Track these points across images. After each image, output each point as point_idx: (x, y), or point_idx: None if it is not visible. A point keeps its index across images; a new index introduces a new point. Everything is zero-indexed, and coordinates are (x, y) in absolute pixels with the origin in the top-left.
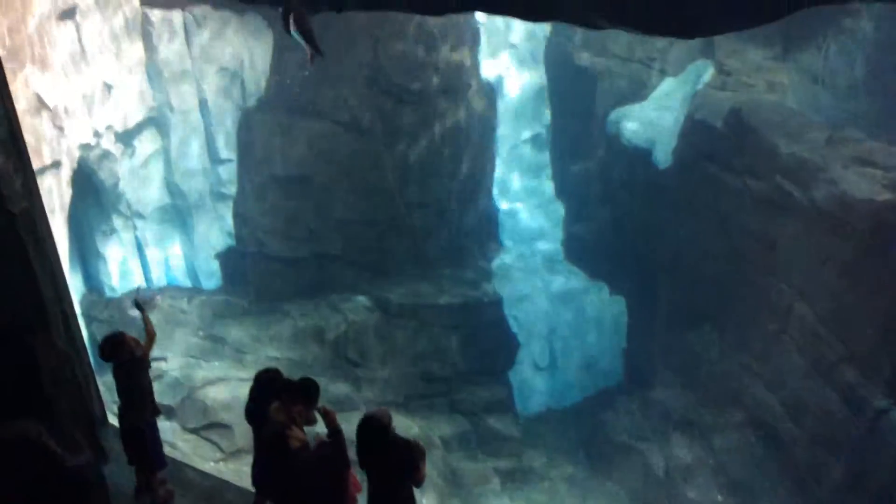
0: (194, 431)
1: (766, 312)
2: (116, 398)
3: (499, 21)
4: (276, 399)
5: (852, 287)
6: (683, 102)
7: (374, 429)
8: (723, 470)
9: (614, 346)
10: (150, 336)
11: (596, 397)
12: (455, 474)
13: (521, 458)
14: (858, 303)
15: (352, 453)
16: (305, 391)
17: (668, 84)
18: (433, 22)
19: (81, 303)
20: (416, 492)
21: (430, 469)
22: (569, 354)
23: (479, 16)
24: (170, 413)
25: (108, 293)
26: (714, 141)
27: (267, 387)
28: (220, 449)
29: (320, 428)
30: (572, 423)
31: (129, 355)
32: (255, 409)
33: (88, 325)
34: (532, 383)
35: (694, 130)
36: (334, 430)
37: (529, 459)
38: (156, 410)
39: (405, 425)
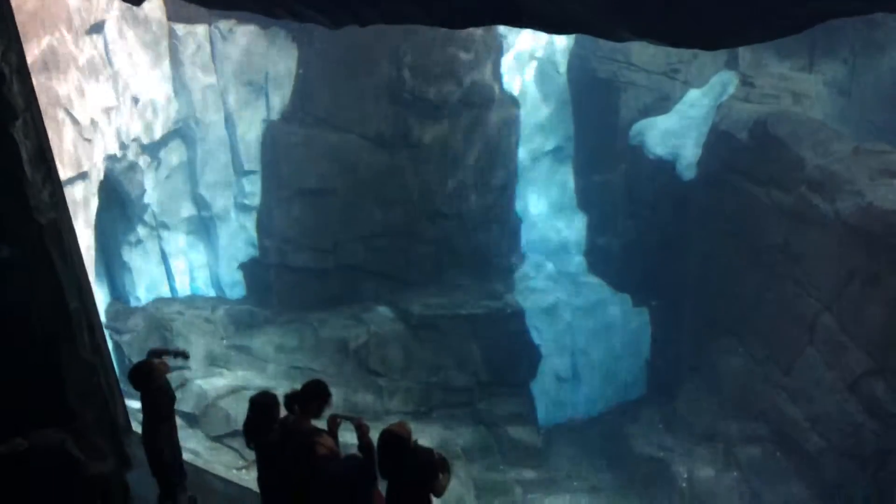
0: (217, 439)
1: (792, 325)
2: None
3: (522, 33)
4: (289, 413)
5: (879, 299)
6: (707, 114)
7: (394, 441)
8: (747, 483)
9: (637, 357)
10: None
11: (619, 409)
12: (477, 485)
13: (543, 469)
14: (885, 315)
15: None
16: (316, 394)
17: (692, 95)
18: (456, 35)
19: (107, 312)
20: (437, 503)
21: (452, 479)
22: (591, 366)
23: (502, 28)
24: (193, 421)
25: (134, 303)
26: (739, 152)
27: (264, 411)
28: (243, 457)
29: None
30: (595, 434)
31: (157, 383)
32: (254, 431)
33: (113, 335)
34: (554, 394)
35: (718, 142)
36: (366, 445)
37: (551, 470)
38: (173, 428)
39: (427, 436)
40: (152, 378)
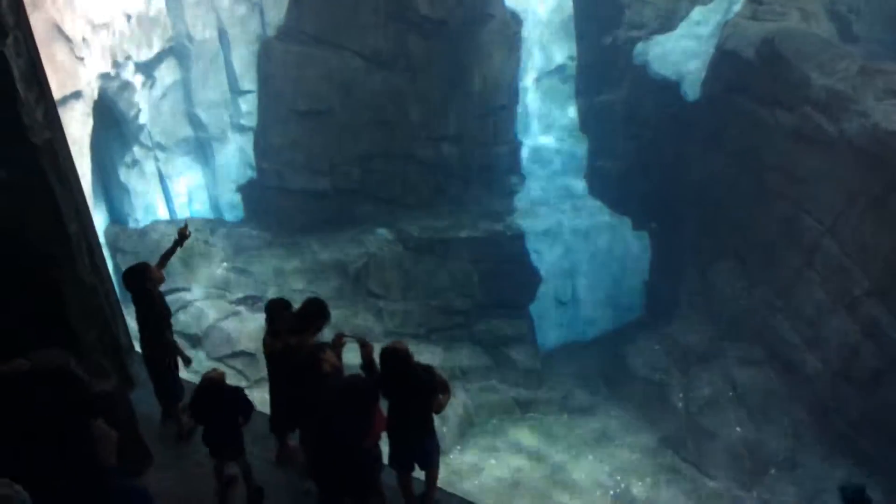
0: (220, 360)
1: (792, 247)
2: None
3: None
4: (289, 332)
5: (881, 221)
6: (713, 32)
7: (395, 356)
8: (742, 403)
9: (636, 281)
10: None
11: (617, 332)
12: (475, 405)
13: (540, 390)
14: (886, 237)
15: None
16: (316, 313)
17: (697, 13)
18: None
19: (106, 234)
20: (437, 420)
21: (451, 398)
22: (590, 289)
23: None
24: (195, 342)
25: (132, 224)
26: (744, 72)
27: (272, 312)
28: (245, 377)
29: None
30: (593, 356)
31: (149, 286)
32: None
33: (113, 256)
34: (553, 317)
35: (724, 61)
36: (369, 363)
37: (549, 391)
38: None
39: (426, 357)
40: (147, 278)
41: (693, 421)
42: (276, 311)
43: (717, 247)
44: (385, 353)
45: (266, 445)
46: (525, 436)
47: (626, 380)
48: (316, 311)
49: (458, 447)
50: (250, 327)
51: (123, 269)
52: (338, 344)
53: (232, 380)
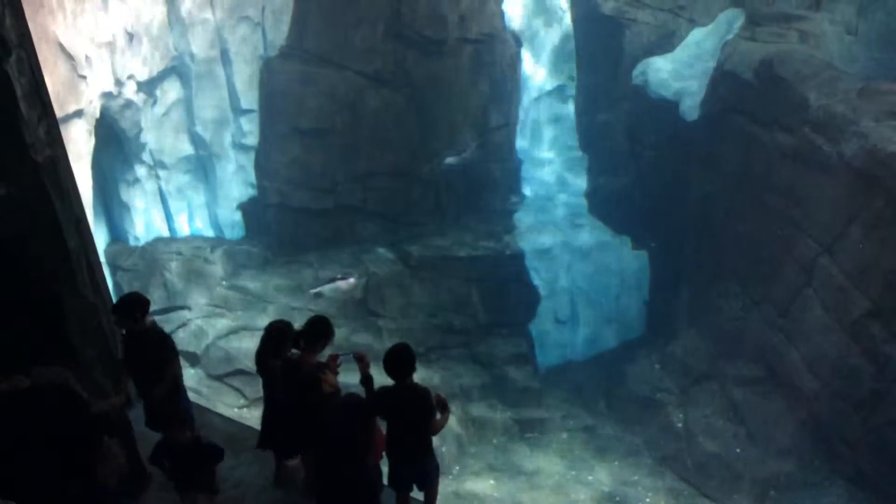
0: (218, 378)
1: (791, 267)
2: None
3: None
4: (294, 348)
5: (880, 242)
6: (713, 53)
7: (404, 354)
8: (742, 423)
9: (636, 300)
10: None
11: (617, 350)
12: (475, 424)
13: (540, 409)
14: (885, 258)
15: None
16: (322, 332)
17: (697, 34)
18: None
19: (106, 252)
20: (435, 440)
21: (450, 419)
22: (590, 308)
23: None
24: (194, 360)
25: (133, 242)
26: (743, 93)
27: (278, 338)
28: (244, 396)
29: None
30: (592, 375)
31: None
32: (266, 358)
33: (113, 274)
34: (553, 336)
35: (723, 82)
36: (365, 377)
37: (549, 410)
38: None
39: (426, 376)
40: (142, 313)
41: (693, 441)
42: (280, 333)
43: (716, 266)
44: (392, 350)
45: (264, 466)
46: (524, 455)
47: (626, 399)
48: (323, 331)
49: (457, 467)
50: (249, 346)
51: (124, 286)
52: (333, 364)
53: (230, 398)
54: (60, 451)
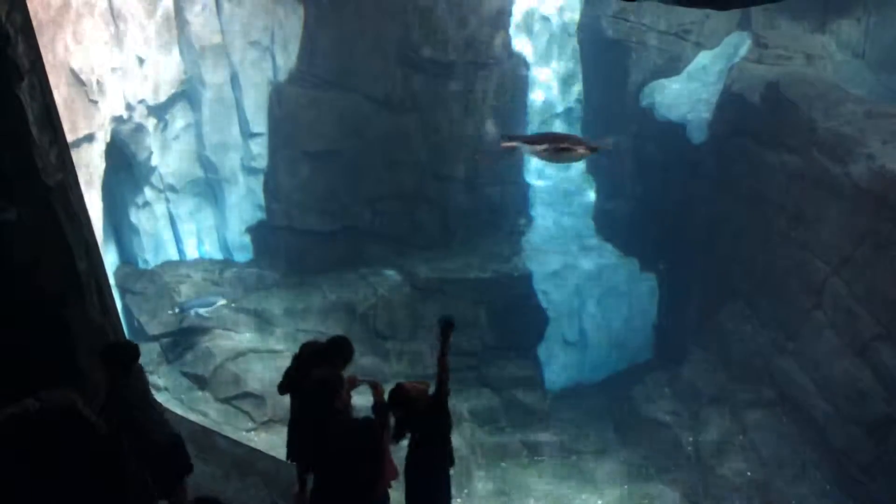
0: (226, 401)
1: (801, 289)
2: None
3: None
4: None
5: (889, 263)
6: (719, 76)
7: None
8: (753, 447)
9: (645, 322)
10: None
11: (626, 373)
12: (483, 447)
13: (549, 433)
14: (895, 280)
15: None
16: (343, 351)
17: (703, 57)
18: None
19: (115, 275)
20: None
21: (459, 441)
22: (599, 330)
23: None
24: (202, 383)
25: (142, 265)
26: (750, 115)
27: (310, 359)
28: (252, 419)
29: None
30: (601, 398)
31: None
32: (297, 379)
33: (122, 297)
34: (561, 359)
35: (730, 104)
36: (379, 404)
37: (558, 434)
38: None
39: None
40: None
41: (703, 464)
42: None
43: (725, 288)
44: (393, 394)
45: (272, 489)
46: (533, 479)
47: (635, 422)
48: (343, 349)
49: (466, 491)
50: (258, 368)
51: (133, 308)
52: (351, 385)
53: (239, 421)
54: (69, 474)
